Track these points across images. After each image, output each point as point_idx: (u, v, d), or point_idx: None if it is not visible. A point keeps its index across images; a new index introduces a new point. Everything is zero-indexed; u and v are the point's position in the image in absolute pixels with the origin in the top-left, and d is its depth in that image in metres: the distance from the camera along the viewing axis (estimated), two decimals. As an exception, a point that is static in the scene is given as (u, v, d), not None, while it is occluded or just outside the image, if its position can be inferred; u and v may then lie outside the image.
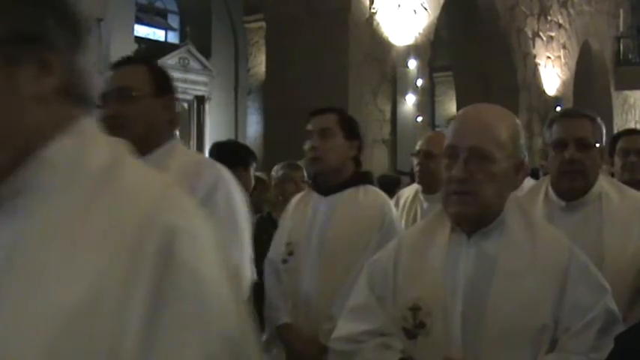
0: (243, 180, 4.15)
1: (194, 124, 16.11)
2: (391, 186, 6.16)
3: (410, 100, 9.92)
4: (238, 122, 16.21)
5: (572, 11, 15.57)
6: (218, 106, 16.45)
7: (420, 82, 10.05)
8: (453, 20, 12.31)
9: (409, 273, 2.00)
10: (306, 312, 3.07)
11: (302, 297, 3.08)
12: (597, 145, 2.63)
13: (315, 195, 3.24)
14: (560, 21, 15.06)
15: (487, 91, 12.00)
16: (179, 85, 14.59)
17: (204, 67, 16.09)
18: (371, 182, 3.36)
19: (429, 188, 3.81)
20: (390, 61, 9.72)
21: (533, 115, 13.15)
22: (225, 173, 2.47)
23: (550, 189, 2.71)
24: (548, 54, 14.41)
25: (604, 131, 2.69)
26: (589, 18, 16.43)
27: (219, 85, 16.53)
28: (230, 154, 4.33)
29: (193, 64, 15.75)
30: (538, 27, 14.11)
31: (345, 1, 8.95)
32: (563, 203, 2.63)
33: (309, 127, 3.20)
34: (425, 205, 3.87)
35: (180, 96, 15.10)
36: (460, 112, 2.09)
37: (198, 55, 15.83)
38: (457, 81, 13.38)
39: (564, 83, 14.79)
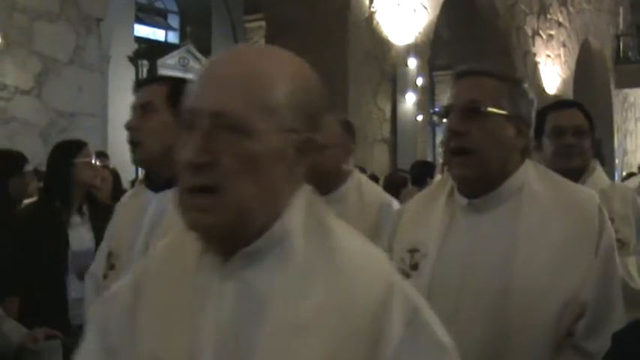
0: None
1: (194, 124, 16.14)
2: (398, 186, 6.08)
3: (410, 99, 9.92)
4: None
5: (571, 9, 15.58)
6: (218, 106, 16.47)
7: (420, 81, 10.05)
8: (453, 19, 12.31)
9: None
10: None
11: None
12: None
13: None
14: (560, 19, 15.06)
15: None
16: (179, 84, 14.59)
17: (205, 66, 16.11)
18: None
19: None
20: (390, 60, 9.72)
21: (533, 114, 13.15)
22: None
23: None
24: (547, 52, 14.41)
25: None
26: (589, 16, 16.43)
27: (219, 85, 16.55)
28: None
29: (193, 63, 15.71)
30: (538, 25, 14.11)
31: (345, 0, 8.96)
32: (464, 201, 1.91)
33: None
34: None
35: (180, 96, 15.05)
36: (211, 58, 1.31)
37: (199, 55, 15.80)
38: (457, 80, 13.35)
39: (564, 81, 14.79)
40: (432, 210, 1.99)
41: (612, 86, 17.64)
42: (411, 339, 1.10)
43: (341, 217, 3.23)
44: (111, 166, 5.92)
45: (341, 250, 1.17)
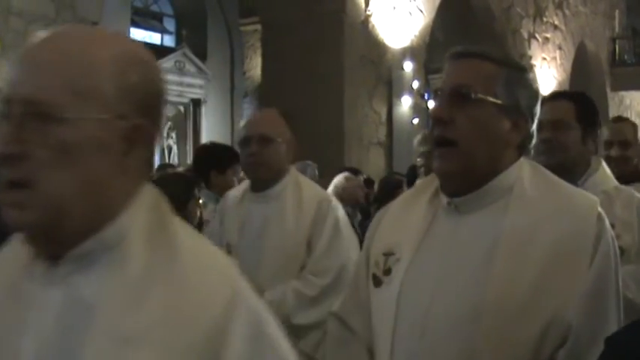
0: (217, 182, 4.12)
1: (190, 127, 16.06)
2: (393, 188, 6.10)
3: (406, 102, 9.93)
4: (234, 125, 16.20)
5: (567, 12, 15.60)
6: (214, 109, 16.42)
7: (415, 84, 10.06)
8: (449, 22, 12.32)
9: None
10: None
11: None
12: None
13: None
14: (556, 22, 15.08)
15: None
16: (175, 88, 14.64)
17: (200, 70, 16.06)
18: None
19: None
20: (386, 63, 9.72)
21: (529, 117, 13.16)
22: None
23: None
24: (543, 55, 14.43)
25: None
26: (585, 19, 16.46)
27: (215, 88, 16.50)
28: (208, 156, 4.33)
29: (189, 67, 15.71)
30: (534, 28, 14.13)
31: (341, 3, 8.96)
32: (445, 200, 1.71)
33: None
34: None
35: (177, 99, 15.07)
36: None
37: (194, 59, 15.79)
38: (453, 83, 13.36)
39: (560, 84, 14.80)
40: (413, 210, 1.75)
41: (608, 89, 17.66)
42: (253, 356, 1.03)
43: (278, 213, 3.04)
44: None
45: (183, 259, 1.06)
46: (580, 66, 16.01)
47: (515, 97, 1.65)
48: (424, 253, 1.67)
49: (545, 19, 14.59)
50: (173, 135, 15.47)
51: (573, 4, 15.87)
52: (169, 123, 15.00)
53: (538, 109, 1.73)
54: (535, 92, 1.72)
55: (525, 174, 1.68)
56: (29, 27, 6.90)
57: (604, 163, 2.73)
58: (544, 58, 14.41)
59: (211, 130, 15.93)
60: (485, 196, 1.66)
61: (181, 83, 15.31)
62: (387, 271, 1.71)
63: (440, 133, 1.64)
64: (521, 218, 1.61)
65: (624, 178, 3.02)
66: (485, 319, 1.54)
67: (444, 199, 1.70)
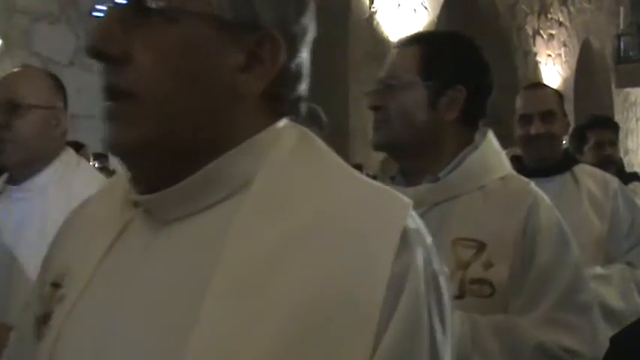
0: None
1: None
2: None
3: (410, 99, 9.92)
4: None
5: (572, 9, 15.57)
6: (219, 107, 16.55)
7: (420, 81, 10.05)
8: (453, 19, 12.30)
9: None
10: None
11: None
12: None
13: None
14: (561, 19, 15.05)
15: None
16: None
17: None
18: None
19: None
20: (391, 60, 9.72)
21: (534, 113, 13.15)
22: None
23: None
24: (548, 52, 14.41)
25: None
26: (589, 15, 16.42)
27: (220, 86, 16.64)
28: None
29: (194, 64, 15.82)
30: (538, 25, 14.10)
31: (345, 0, 8.95)
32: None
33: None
34: None
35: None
36: None
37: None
38: (458, 79, 13.36)
39: (565, 81, 14.77)
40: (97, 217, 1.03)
41: (613, 86, 17.62)
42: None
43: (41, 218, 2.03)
44: (110, 167, 5.92)
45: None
46: (585, 63, 15.98)
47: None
48: (99, 288, 0.94)
49: (549, 16, 14.56)
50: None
51: (578, 1, 15.84)
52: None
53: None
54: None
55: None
56: (33, 25, 6.91)
57: (491, 135, 1.76)
58: (549, 55, 14.39)
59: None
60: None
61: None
62: (47, 316, 0.98)
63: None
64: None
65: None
66: None
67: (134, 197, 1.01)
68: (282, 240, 0.81)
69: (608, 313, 2.37)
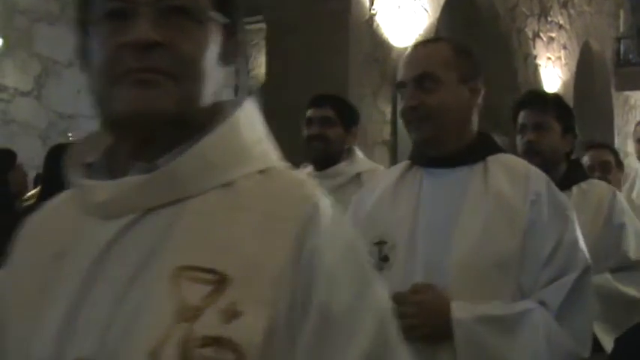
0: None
1: (195, 126, 16.15)
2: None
3: (410, 101, 9.90)
4: (239, 124, 16.22)
5: (572, 12, 15.57)
6: (218, 108, 16.49)
7: (420, 83, 10.03)
8: (454, 21, 12.30)
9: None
10: None
11: None
12: None
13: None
14: (561, 22, 15.05)
15: (487, 91, 11.97)
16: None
17: (205, 68, 16.13)
18: None
19: None
20: (391, 62, 9.71)
21: (533, 116, 13.12)
22: None
23: None
24: (548, 54, 14.40)
25: None
26: (589, 18, 16.42)
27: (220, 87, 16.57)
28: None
29: (194, 65, 15.77)
30: (538, 28, 14.10)
31: (345, 2, 8.95)
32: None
33: None
34: None
35: (181, 98, 15.05)
36: None
37: (199, 57, 15.86)
38: (457, 82, 13.33)
39: (565, 84, 14.77)
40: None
41: (613, 89, 17.61)
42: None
43: None
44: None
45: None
46: (584, 65, 15.97)
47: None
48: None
49: (550, 19, 14.56)
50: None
51: (578, 4, 15.83)
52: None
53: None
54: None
55: None
56: (33, 25, 6.90)
57: (250, 104, 1.30)
58: (549, 58, 14.39)
59: (215, 128, 15.96)
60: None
61: (186, 82, 15.36)
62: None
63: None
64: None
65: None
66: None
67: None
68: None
69: None
